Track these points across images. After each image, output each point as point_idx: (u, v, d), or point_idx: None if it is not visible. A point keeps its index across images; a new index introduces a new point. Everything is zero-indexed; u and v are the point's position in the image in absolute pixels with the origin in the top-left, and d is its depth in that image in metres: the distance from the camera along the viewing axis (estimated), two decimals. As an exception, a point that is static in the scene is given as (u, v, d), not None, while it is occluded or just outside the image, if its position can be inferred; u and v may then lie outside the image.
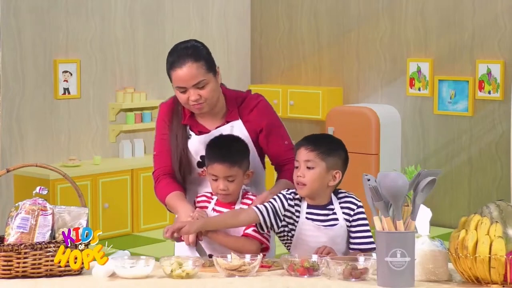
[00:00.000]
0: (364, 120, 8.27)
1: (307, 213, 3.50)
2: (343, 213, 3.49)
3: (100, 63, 8.32)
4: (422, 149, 8.47)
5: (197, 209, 3.56)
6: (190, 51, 3.57)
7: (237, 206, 3.57)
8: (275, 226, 3.48)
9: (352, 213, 3.48)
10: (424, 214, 3.12)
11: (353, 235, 3.49)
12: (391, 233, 2.97)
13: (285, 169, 3.71)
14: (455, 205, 8.17)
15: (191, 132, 3.68)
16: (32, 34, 7.80)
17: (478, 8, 8.05)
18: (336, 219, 3.48)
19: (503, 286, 2.96)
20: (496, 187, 7.98)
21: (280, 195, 3.51)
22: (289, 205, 3.50)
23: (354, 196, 3.53)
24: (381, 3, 8.66)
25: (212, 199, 3.61)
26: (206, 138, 3.65)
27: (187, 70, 3.53)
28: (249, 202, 3.56)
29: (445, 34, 8.26)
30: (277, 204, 3.48)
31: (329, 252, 3.38)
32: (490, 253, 2.94)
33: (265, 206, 3.46)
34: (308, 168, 3.47)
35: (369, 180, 3.03)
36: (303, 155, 3.49)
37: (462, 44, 8.16)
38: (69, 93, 8.08)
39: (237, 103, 3.70)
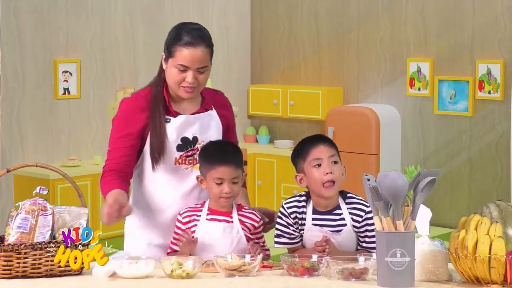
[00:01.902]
0: (364, 120, 8.26)
1: (313, 219, 3.49)
2: (352, 218, 3.47)
3: (100, 63, 8.32)
4: (422, 149, 8.47)
5: (182, 231, 3.51)
6: (203, 35, 3.60)
7: (233, 215, 3.55)
8: (297, 235, 3.52)
9: (360, 219, 3.47)
10: (424, 214, 3.12)
11: (361, 239, 3.49)
12: (391, 233, 2.97)
13: None
14: (455, 205, 8.17)
15: (167, 117, 3.64)
16: (32, 34, 7.80)
17: (478, 8, 8.05)
18: (344, 225, 3.47)
19: (503, 286, 2.96)
20: (496, 187, 7.98)
21: (282, 217, 3.50)
22: (294, 218, 3.50)
23: (363, 201, 3.48)
24: (381, 3, 8.66)
25: (201, 210, 3.57)
26: (187, 119, 3.63)
27: (198, 53, 3.56)
28: (247, 217, 3.56)
29: (445, 34, 8.26)
30: (286, 230, 3.50)
31: (329, 245, 3.38)
32: (490, 253, 2.94)
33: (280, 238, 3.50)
34: (334, 163, 3.46)
35: (369, 180, 3.03)
36: (326, 151, 3.47)
37: (462, 44, 8.16)
38: (69, 93, 8.08)
39: (211, 94, 3.76)
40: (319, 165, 3.46)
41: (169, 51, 3.61)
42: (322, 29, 9.10)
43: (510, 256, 2.93)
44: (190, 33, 3.58)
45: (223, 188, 3.49)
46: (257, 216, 3.58)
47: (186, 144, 3.65)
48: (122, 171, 3.60)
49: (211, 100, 3.75)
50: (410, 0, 8.47)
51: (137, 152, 3.66)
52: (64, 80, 8.03)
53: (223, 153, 3.53)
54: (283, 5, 9.37)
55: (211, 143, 3.62)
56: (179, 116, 3.64)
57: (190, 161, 3.66)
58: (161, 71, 3.71)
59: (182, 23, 3.67)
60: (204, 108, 3.71)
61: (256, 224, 3.56)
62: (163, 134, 3.60)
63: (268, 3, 9.48)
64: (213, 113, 3.72)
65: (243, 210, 3.59)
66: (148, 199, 3.69)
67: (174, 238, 3.59)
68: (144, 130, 3.64)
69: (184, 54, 3.56)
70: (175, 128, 3.63)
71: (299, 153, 3.53)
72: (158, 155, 3.61)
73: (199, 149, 3.64)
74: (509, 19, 7.87)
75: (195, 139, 3.66)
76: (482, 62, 8.01)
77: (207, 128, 3.69)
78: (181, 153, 3.64)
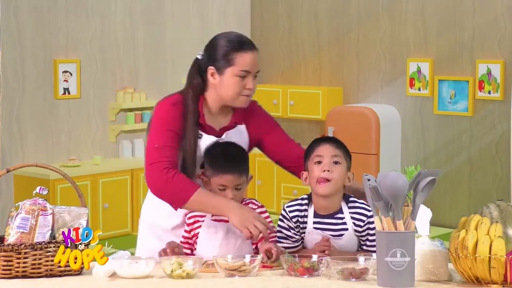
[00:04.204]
0: (364, 120, 8.27)
1: (314, 222, 3.49)
2: (354, 223, 3.47)
3: (100, 63, 8.32)
4: (422, 149, 8.47)
5: (172, 244, 3.49)
6: (251, 41, 3.62)
7: None
8: (298, 238, 3.51)
9: (362, 224, 3.46)
10: (424, 214, 3.12)
11: (362, 242, 3.49)
12: (391, 233, 2.97)
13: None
14: (455, 205, 8.17)
15: (200, 132, 3.62)
16: (32, 34, 7.80)
17: (478, 8, 8.05)
18: (345, 229, 3.46)
19: (503, 286, 2.96)
20: (496, 187, 7.98)
21: (284, 220, 3.50)
22: (295, 221, 3.49)
23: (366, 205, 3.47)
24: (381, 3, 8.66)
25: None
26: (217, 140, 3.62)
27: (256, 56, 3.57)
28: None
29: (445, 34, 8.26)
30: (288, 233, 3.50)
31: (330, 246, 3.38)
32: (490, 253, 2.94)
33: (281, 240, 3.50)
34: (335, 163, 3.46)
35: (369, 180, 3.03)
36: (330, 150, 3.47)
37: (462, 44, 8.16)
38: (69, 93, 8.08)
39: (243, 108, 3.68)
40: (320, 162, 3.46)
41: (227, 60, 3.54)
42: (322, 29, 9.10)
43: (510, 256, 2.93)
44: (243, 39, 3.59)
45: (226, 194, 3.49)
46: (254, 204, 3.58)
47: None
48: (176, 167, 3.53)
49: (243, 111, 3.69)
50: (410, 0, 8.47)
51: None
52: (64, 80, 8.03)
53: (227, 161, 3.50)
54: (283, 5, 9.37)
55: (216, 146, 3.58)
56: (210, 136, 3.61)
57: None
58: (193, 80, 3.66)
59: (220, 34, 3.65)
60: (233, 121, 3.68)
61: (258, 210, 3.55)
62: (195, 150, 3.58)
63: (268, 3, 9.48)
64: (241, 128, 3.69)
65: (243, 203, 3.58)
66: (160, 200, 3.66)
67: (183, 237, 3.60)
68: (182, 133, 3.60)
69: (246, 58, 3.54)
70: (205, 146, 3.60)
71: (307, 152, 3.55)
72: (183, 167, 3.56)
73: None
74: (509, 19, 7.87)
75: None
76: (482, 62, 8.01)
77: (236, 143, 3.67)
78: (202, 169, 3.61)
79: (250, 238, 3.36)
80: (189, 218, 3.59)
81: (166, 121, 3.57)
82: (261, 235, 3.36)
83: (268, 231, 3.38)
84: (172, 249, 3.43)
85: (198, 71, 3.65)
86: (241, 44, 3.55)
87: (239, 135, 3.67)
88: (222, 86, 3.57)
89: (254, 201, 3.59)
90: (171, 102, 3.63)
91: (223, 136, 3.64)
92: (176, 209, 3.51)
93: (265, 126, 3.72)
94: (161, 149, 3.51)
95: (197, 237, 3.56)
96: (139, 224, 3.84)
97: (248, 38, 3.63)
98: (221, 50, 3.56)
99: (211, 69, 3.59)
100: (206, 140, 3.62)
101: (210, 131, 3.63)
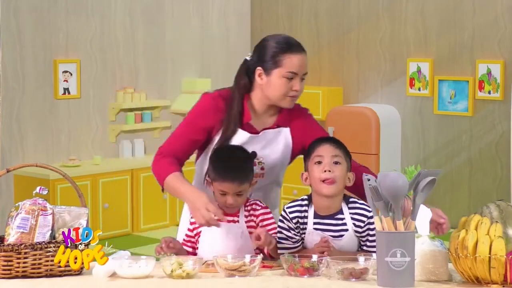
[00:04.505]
0: (364, 120, 8.27)
1: (314, 223, 3.48)
2: (354, 224, 3.46)
3: (100, 63, 8.32)
4: (422, 149, 8.47)
5: (171, 241, 3.52)
6: (300, 43, 3.66)
7: (240, 215, 3.55)
8: (299, 238, 3.51)
9: (363, 224, 3.46)
10: (424, 214, 3.12)
11: (362, 243, 3.49)
12: (391, 233, 2.97)
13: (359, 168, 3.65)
14: (455, 205, 8.17)
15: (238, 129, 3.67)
16: (32, 34, 7.80)
17: (478, 8, 8.05)
18: (346, 230, 3.46)
19: (503, 286, 2.96)
20: (496, 187, 7.98)
21: (284, 221, 3.50)
22: (295, 222, 3.49)
23: (366, 205, 3.46)
24: (381, 3, 8.66)
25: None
26: (250, 137, 3.64)
27: (304, 58, 3.62)
28: (256, 213, 3.55)
29: (445, 34, 8.26)
30: (288, 233, 3.50)
31: (329, 246, 3.38)
32: (490, 253, 2.94)
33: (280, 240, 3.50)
34: (335, 163, 3.46)
35: (369, 180, 3.03)
36: (330, 150, 3.47)
37: (462, 44, 8.16)
38: (69, 93, 8.08)
39: (289, 108, 3.69)
40: (320, 162, 3.46)
41: (274, 61, 3.59)
42: (322, 29, 9.10)
43: (510, 256, 2.93)
44: (293, 41, 3.64)
45: (227, 200, 3.50)
46: (258, 205, 3.57)
47: None
48: (179, 158, 3.65)
49: (289, 114, 3.70)
50: (410, 0, 8.47)
51: (199, 146, 3.70)
52: (64, 80, 8.03)
53: (227, 170, 3.49)
54: (283, 5, 9.37)
55: (222, 150, 3.59)
56: (244, 133, 3.64)
57: None
58: (240, 81, 3.69)
59: (269, 36, 3.69)
60: (276, 124, 3.70)
61: (261, 211, 3.55)
62: (231, 137, 3.64)
63: (268, 3, 9.48)
64: (285, 130, 3.70)
65: (248, 203, 3.58)
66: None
67: (186, 235, 3.61)
68: (213, 129, 3.66)
69: (294, 60, 3.58)
70: (237, 141, 3.64)
71: (307, 152, 3.55)
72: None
73: (257, 164, 3.64)
74: (509, 19, 7.88)
75: (254, 154, 3.65)
76: (482, 62, 8.01)
77: (271, 145, 3.68)
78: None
79: (204, 225, 3.43)
80: (192, 217, 3.59)
81: (198, 113, 3.68)
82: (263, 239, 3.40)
83: (217, 218, 3.40)
84: (167, 245, 3.45)
85: (246, 72, 3.69)
86: (289, 46, 3.61)
87: (276, 136, 3.68)
88: (269, 86, 3.61)
89: (258, 202, 3.59)
90: (213, 95, 3.70)
91: (260, 134, 3.66)
92: (163, 191, 3.68)
93: (310, 131, 3.69)
94: (174, 137, 3.69)
95: (199, 236, 3.57)
96: (183, 212, 3.87)
97: (297, 41, 3.67)
98: (269, 52, 3.61)
99: (259, 70, 3.63)
100: (240, 137, 3.64)
101: (249, 129, 3.66)
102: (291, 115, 3.71)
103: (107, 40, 8.35)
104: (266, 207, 3.59)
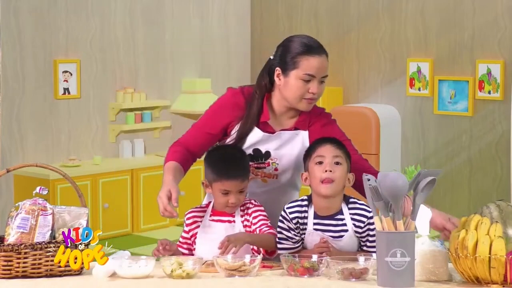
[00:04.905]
0: (364, 120, 8.26)
1: (314, 223, 3.48)
2: (354, 224, 3.46)
3: (100, 63, 8.32)
4: (422, 149, 8.47)
5: (165, 244, 3.51)
6: (321, 45, 3.64)
7: (236, 215, 3.54)
8: (298, 239, 3.51)
9: (363, 225, 3.45)
10: (424, 214, 3.12)
11: (362, 243, 3.48)
12: (391, 233, 2.97)
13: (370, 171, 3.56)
14: (455, 205, 8.16)
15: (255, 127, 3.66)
16: (32, 34, 7.80)
17: (478, 8, 8.05)
18: (346, 230, 3.46)
19: (503, 286, 2.96)
20: (496, 187, 7.98)
21: (284, 221, 3.50)
22: (295, 223, 3.49)
23: (366, 206, 3.46)
24: (381, 3, 8.66)
25: (206, 210, 3.58)
26: (264, 136, 3.63)
27: (323, 60, 3.59)
28: (249, 211, 3.55)
29: (445, 34, 8.26)
30: (288, 234, 3.49)
31: (328, 247, 3.38)
32: (490, 253, 2.94)
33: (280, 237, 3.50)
34: (336, 163, 3.45)
35: (369, 180, 3.02)
36: (331, 150, 3.46)
37: (462, 44, 8.16)
38: (69, 93, 8.08)
39: (310, 112, 3.67)
40: (321, 162, 3.45)
41: (292, 62, 3.56)
42: (322, 29, 9.10)
43: (510, 256, 2.93)
44: (313, 43, 3.61)
45: (229, 199, 3.49)
46: (252, 204, 3.57)
47: (257, 156, 3.66)
48: (191, 150, 3.67)
49: (309, 117, 3.68)
50: (410, 0, 8.47)
51: (215, 141, 3.70)
52: (64, 80, 8.03)
53: (229, 167, 3.49)
54: (283, 5, 9.37)
55: (217, 150, 3.60)
56: (259, 132, 3.64)
57: (257, 173, 3.69)
58: (261, 80, 3.68)
59: (292, 36, 3.67)
60: (294, 126, 3.68)
61: (254, 209, 3.55)
62: (237, 142, 3.65)
63: (268, 3, 9.48)
64: (303, 133, 3.68)
65: (247, 206, 3.57)
66: None
67: (182, 237, 3.60)
68: (229, 125, 3.66)
69: (312, 62, 3.56)
70: (252, 139, 3.64)
71: (307, 152, 3.54)
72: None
73: (270, 164, 3.64)
74: (509, 19, 7.87)
75: (267, 154, 3.66)
76: (482, 62, 8.01)
77: (287, 146, 3.67)
78: (251, 163, 3.64)
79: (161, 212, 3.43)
80: (188, 218, 3.59)
81: (217, 108, 3.69)
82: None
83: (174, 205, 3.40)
84: (164, 247, 3.45)
85: (268, 72, 3.68)
86: (308, 47, 3.58)
87: (293, 138, 3.67)
88: (287, 87, 3.59)
89: (253, 201, 3.59)
90: (234, 92, 3.70)
91: (275, 134, 3.65)
92: None
93: (328, 134, 3.63)
94: (192, 130, 3.72)
95: (195, 238, 3.56)
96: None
97: (318, 43, 3.63)
98: (288, 52, 3.59)
99: (277, 70, 3.62)
100: (255, 135, 3.64)
101: (265, 128, 3.65)
102: (311, 118, 3.69)
103: (107, 40, 8.35)
104: (259, 205, 3.58)
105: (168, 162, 3.63)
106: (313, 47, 3.59)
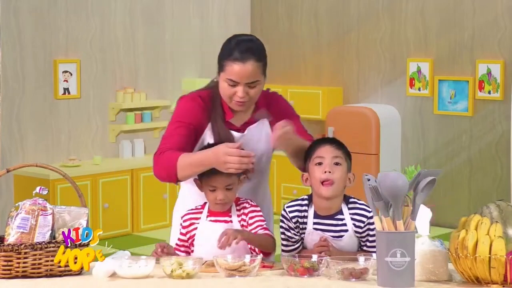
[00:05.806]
0: (364, 120, 8.27)
1: (314, 223, 3.48)
2: (354, 224, 3.46)
3: (100, 63, 8.32)
4: (422, 149, 8.47)
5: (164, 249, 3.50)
6: (255, 49, 3.57)
7: (233, 215, 3.54)
8: (298, 238, 3.50)
9: (362, 225, 3.46)
10: (424, 214, 3.12)
11: (362, 243, 3.48)
12: (391, 233, 2.97)
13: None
14: (455, 205, 8.17)
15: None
16: (32, 34, 7.80)
17: (478, 8, 8.05)
18: (346, 230, 3.46)
19: (503, 286, 2.96)
20: (496, 187, 7.98)
21: (284, 220, 3.50)
22: (295, 222, 3.49)
23: (366, 206, 3.47)
24: (381, 3, 8.66)
25: (202, 212, 3.58)
26: (236, 136, 3.61)
27: (248, 68, 3.52)
28: (246, 211, 3.54)
29: (445, 34, 8.27)
30: (287, 233, 3.49)
31: (328, 246, 3.38)
32: (490, 253, 2.94)
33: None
34: (336, 164, 3.45)
35: (369, 180, 3.02)
36: (331, 151, 3.46)
37: (462, 44, 8.16)
38: (69, 93, 8.09)
39: (264, 99, 3.68)
40: (320, 163, 3.45)
41: (220, 65, 3.56)
42: (322, 29, 9.10)
43: (510, 256, 2.93)
44: (240, 48, 3.53)
45: (217, 195, 3.48)
46: (249, 204, 3.56)
47: None
48: (179, 150, 3.55)
49: (265, 105, 3.68)
50: (410, 0, 8.47)
51: (191, 142, 3.60)
52: (64, 80, 8.04)
53: None
54: (283, 5, 9.37)
55: (205, 148, 3.59)
56: (235, 133, 3.62)
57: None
58: (214, 80, 3.69)
59: (235, 35, 3.64)
60: (253, 116, 3.66)
61: (251, 209, 3.55)
62: (226, 135, 3.59)
63: (268, 3, 9.48)
64: (264, 122, 3.68)
65: (238, 203, 3.58)
66: (192, 194, 3.67)
67: (179, 240, 3.60)
68: (201, 127, 3.61)
69: (233, 69, 3.50)
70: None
71: (307, 153, 3.54)
72: None
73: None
74: (509, 19, 7.88)
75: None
76: (482, 62, 8.01)
77: (257, 140, 3.66)
78: None
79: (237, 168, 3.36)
80: (184, 220, 3.58)
81: (179, 113, 3.62)
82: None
83: (249, 160, 3.35)
84: (162, 250, 3.44)
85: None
86: (232, 53, 3.52)
87: (260, 131, 3.67)
88: (220, 86, 3.60)
89: (249, 201, 3.59)
90: (189, 97, 3.66)
91: (246, 132, 3.64)
92: (176, 183, 3.56)
93: (283, 116, 3.64)
94: (166, 138, 3.58)
95: (193, 239, 3.55)
96: (173, 217, 3.84)
97: (250, 47, 3.56)
98: (220, 53, 3.58)
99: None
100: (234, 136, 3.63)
101: (231, 127, 3.64)
102: (266, 105, 3.68)
103: (107, 40, 8.35)
104: (256, 206, 3.58)
105: (180, 155, 3.49)
106: (237, 55, 3.51)
